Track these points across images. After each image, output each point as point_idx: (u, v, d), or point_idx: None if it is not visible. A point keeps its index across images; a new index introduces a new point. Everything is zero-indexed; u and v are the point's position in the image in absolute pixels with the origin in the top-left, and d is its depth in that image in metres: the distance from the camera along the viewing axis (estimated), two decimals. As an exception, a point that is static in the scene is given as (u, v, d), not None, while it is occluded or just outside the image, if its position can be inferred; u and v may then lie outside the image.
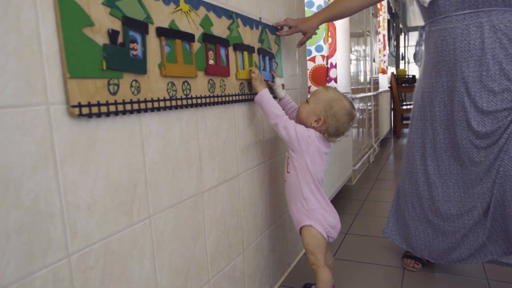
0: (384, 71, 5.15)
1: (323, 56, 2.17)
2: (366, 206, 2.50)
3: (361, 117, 3.35)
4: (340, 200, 2.59)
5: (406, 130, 6.42)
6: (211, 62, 1.03)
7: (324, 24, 2.19)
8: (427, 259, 1.57)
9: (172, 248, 0.91)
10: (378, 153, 4.33)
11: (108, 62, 0.71)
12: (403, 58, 9.36)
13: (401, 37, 8.93)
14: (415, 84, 1.54)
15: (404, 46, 9.76)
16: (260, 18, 1.32)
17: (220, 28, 1.07)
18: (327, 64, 2.24)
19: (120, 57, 0.74)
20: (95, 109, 0.69)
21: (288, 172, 1.23)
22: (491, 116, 1.28)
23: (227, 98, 1.12)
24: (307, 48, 2.12)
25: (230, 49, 1.13)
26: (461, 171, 1.40)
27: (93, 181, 0.70)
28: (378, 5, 4.75)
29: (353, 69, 3.05)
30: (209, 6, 1.02)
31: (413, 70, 13.07)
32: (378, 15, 4.68)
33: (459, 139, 1.36)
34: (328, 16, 1.43)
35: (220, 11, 1.07)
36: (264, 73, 1.33)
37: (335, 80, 2.56)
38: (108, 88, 0.72)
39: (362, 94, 3.32)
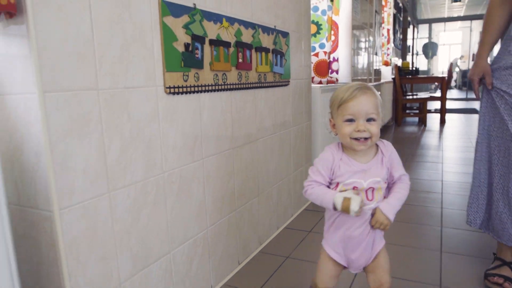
0: (387, 63, 5.55)
1: (325, 52, 2.62)
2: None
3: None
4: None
5: (408, 119, 6.83)
6: (240, 60, 1.51)
7: (327, 25, 2.65)
8: None
9: (215, 182, 1.41)
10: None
11: (184, 62, 1.19)
12: (410, 50, 9.66)
13: (410, 30, 9.26)
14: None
15: (413, 39, 10.06)
16: (275, 26, 1.79)
17: (247, 36, 1.55)
18: (329, 58, 2.70)
19: (191, 59, 1.22)
20: (176, 90, 1.18)
21: (385, 197, 1.04)
22: None
23: (249, 85, 1.60)
24: (312, 45, 2.58)
25: (253, 50, 1.60)
26: None
27: (175, 132, 1.19)
28: (383, 2, 5.14)
29: (354, 62, 3.50)
30: (240, 22, 1.50)
31: (422, 62, 13.34)
32: (382, 11, 5.07)
33: None
34: (489, 47, 1.44)
35: (248, 24, 1.55)
36: (276, 67, 1.81)
37: (337, 72, 3.01)
38: (183, 78, 1.21)
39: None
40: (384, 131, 5.44)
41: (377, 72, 4.88)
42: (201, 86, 1.30)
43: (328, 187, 1.02)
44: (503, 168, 1.41)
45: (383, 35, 5.17)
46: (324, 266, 1.09)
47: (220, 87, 1.40)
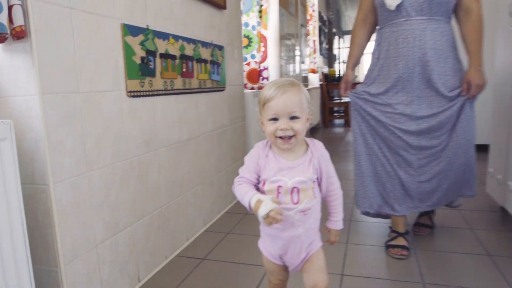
0: (314, 71, 6.14)
1: (256, 62, 3.03)
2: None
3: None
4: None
5: (335, 121, 7.53)
6: (184, 70, 1.84)
7: (257, 38, 3.06)
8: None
9: (166, 169, 1.72)
10: (307, 138, 5.31)
11: (141, 71, 1.50)
12: (337, 59, 10.53)
13: (335, 40, 10.10)
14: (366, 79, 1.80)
15: (338, 48, 10.96)
16: (211, 41, 2.14)
17: (189, 50, 1.88)
18: (259, 67, 3.10)
19: (146, 69, 1.53)
20: (135, 94, 1.48)
21: (315, 197, 1.04)
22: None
23: (192, 90, 1.94)
24: (244, 56, 2.97)
25: (194, 62, 1.94)
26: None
27: (135, 127, 1.49)
28: (308, 16, 5.72)
29: (282, 70, 3.96)
30: (183, 38, 1.83)
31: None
32: (307, 24, 5.64)
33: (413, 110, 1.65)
34: (354, 62, 1.88)
35: (189, 40, 1.88)
36: (214, 75, 2.16)
37: (267, 79, 3.44)
38: (140, 84, 1.51)
39: (290, 90, 4.24)
40: (314, 132, 6.01)
41: (305, 79, 5.43)
42: (154, 91, 1.61)
43: (257, 184, 1.04)
44: (381, 158, 1.74)
45: (309, 45, 5.74)
46: (267, 265, 1.12)
47: (169, 92, 1.72)
